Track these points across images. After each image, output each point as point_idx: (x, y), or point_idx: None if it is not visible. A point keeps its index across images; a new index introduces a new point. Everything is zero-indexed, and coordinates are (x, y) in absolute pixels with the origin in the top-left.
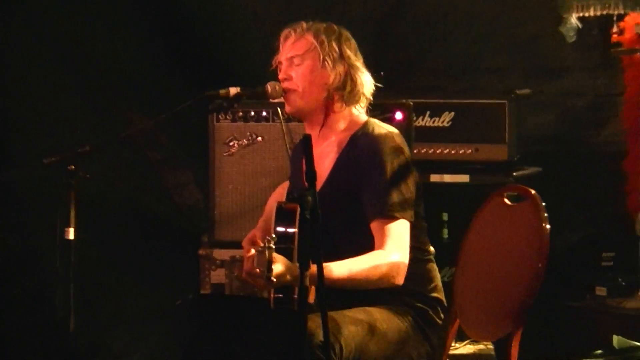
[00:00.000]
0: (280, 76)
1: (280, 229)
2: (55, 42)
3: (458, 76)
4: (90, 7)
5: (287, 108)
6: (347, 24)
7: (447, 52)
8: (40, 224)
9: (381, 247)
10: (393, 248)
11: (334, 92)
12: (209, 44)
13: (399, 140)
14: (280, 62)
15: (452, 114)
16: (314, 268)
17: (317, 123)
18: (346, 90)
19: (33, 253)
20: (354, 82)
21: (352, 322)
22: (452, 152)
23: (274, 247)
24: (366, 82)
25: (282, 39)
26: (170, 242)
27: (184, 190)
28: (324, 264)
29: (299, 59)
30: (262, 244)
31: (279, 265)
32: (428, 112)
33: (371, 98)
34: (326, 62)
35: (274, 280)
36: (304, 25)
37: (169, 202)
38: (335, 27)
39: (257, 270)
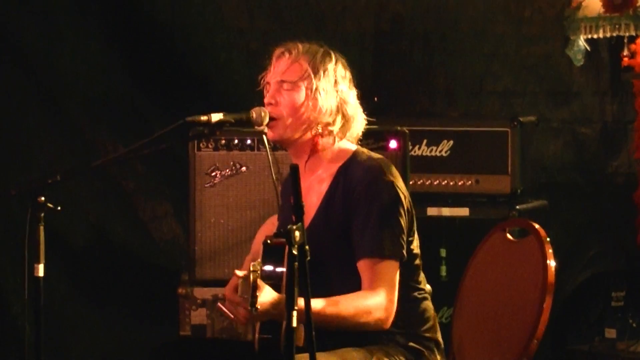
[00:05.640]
0: (266, 100)
1: (268, 267)
2: (22, 64)
3: (459, 100)
4: (62, 28)
5: (270, 134)
6: (339, 42)
7: (447, 74)
8: (6, 259)
9: (369, 287)
10: (381, 289)
11: (322, 127)
12: (190, 65)
13: (391, 171)
14: (268, 83)
15: (451, 142)
16: (300, 304)
17: (302, 155)
18: (336, 125)
19: None
20: (345, 118)
21: None
22: (451, 183)
23: (259, 271)
24: (358, 119)
25: (274, 58)
26: (147, 280)
27: (161, 224)
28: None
29: (289, 85)
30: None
31: (265, 294)
32: (425, 140)
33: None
34: (318, 94)
35: (258, 307)
36: (300, 47)
37: (145, 237)
38: (332, 53)
39: (241, 297)
